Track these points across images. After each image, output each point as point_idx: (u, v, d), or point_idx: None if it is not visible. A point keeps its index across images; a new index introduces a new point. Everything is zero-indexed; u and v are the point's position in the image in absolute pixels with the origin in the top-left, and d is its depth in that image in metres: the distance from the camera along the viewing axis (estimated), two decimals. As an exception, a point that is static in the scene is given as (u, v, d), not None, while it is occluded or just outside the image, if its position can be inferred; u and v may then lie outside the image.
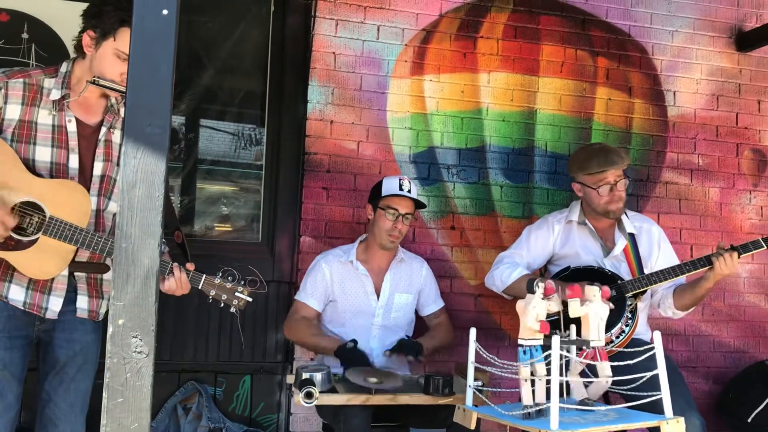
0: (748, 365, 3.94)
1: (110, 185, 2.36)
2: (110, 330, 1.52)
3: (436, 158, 3.75)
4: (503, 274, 3.06)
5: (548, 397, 1.88)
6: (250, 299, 2.39)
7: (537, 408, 2.03)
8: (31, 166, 2.24)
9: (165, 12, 1.57)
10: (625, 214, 3.18)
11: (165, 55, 1.57)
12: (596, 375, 2.15)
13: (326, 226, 3.58)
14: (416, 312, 3.28)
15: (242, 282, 2.40)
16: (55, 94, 2.28)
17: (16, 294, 2.24)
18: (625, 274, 3.03)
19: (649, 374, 2.07)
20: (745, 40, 4.17)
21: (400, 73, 3.74)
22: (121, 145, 2.35)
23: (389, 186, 3.07)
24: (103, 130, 2.36)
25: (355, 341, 2.89)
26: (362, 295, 3.12)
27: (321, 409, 2.99)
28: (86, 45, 2.28)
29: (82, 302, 2.35)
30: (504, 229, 3.79)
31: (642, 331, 3.03)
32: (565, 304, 2.15)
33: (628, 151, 3.97)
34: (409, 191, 3.06)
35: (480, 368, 2.18)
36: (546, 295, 2.10)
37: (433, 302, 3.28)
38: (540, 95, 3.91)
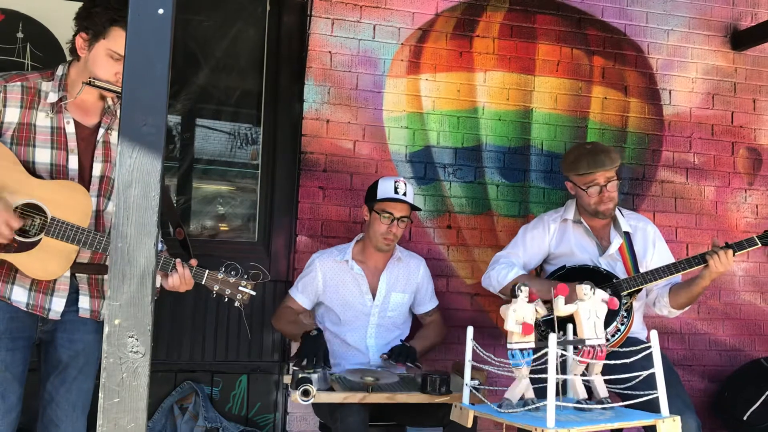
0: (743, 363, 3.96)
1: (110, 186, 2.37)
2: (106, 330, 1.52)
3: (432, 157, 3.75)
4: (500, 274, 3.06)
5: (544, 395, 1.89)
6: (254, 293, 2.40)
7: (534, 406, 2.03)
8: (31, 169, 2.26)
9: (161, 11, 1.57)
10: (621, 212, 3.19)
11: (160, 54, 1.57)
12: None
13: (322, 225, 3.58)
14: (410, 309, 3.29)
15: (245, 276, 2.40)
16: (53, 97, 2.30)
17: (19, 295, 2.25)
18: (621, 272, 3.03)
19: (645, 373, 2.07)
20: (740, 39, 4.18)
21: (396, 72, 3.73)
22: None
23: (385, 189, 3.07)
24: (101, 131, 2.37)
25: (319, 330, 2.88)
26: (357, 294, 3.12)
27: (318, 408, 2.99)
28: (80, 47, 2.31)
29: (84, 302, 2.36)
30: (500, 228, 3.80)
31: (637, 330, 3.03)
32: None
33: (624, 149, 3.97)
34: (404, 194, 3.06)
35: (477, 367, 2.18)
36: (530, 301, 2.10)
37: (428, 301, 3.29)
38: (536, 94, 3.91)
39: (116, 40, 2.23)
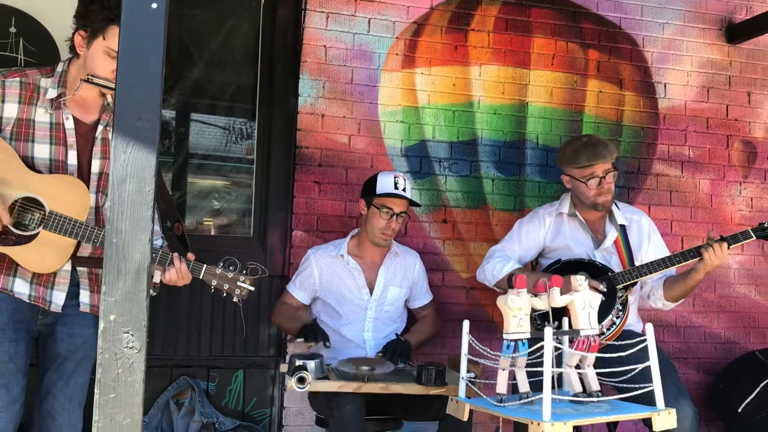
0: (738, 356, 3.97)
1: (108, 182, 2.37)
2: (102, 326, 1.52)
3: (427, 151, 3.75)
4: (494, 268, 3.07)
5: (540, 389, 1.89)
6: (252, 288, 2.41)
7: (527, 399, 2.04)
8: (30, 164, 2.28)
9: (154, 5, 1.56)
10: (616, 205, 3.19)
11: (154, 49, 1.56)
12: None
13: (318, 220, 3.58)
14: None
15: (243, 271, 2.41)
16: (52, 93, 2.32)
17: (21, 287, 2.28)
18: (616, 265, 3.04)
19: (641, 366, 2.08)
20: (735, 32, 4.18)
21: (391, 66, 3.73)
22: None
23: (384, 184, 3.07)
24: (100, 128, 2.39)
25: (314, 319, 2.94)
26: (354, 289, 3.12)
27: (314, 400, 3.00)
28: (78, 45, 2.33)
29: (84, 296, 2.38)
30: (496, 222, 3.80)
31: (633, 323, 3.04)
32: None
33: (619, 143, 3.98)
34: (404, 189, 3.07)
35: (472, 360, 2.18)
36: (538, 292, 2.11)
37: (423, 296, 3.31)
38: (531, 88, 3.91)
39: (114, 38, 2.26)
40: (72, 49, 2.36)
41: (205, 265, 2.37)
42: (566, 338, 2.13)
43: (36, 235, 2.23)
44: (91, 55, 2.30)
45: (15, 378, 2.25)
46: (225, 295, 2.40)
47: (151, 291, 1.59)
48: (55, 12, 3.32)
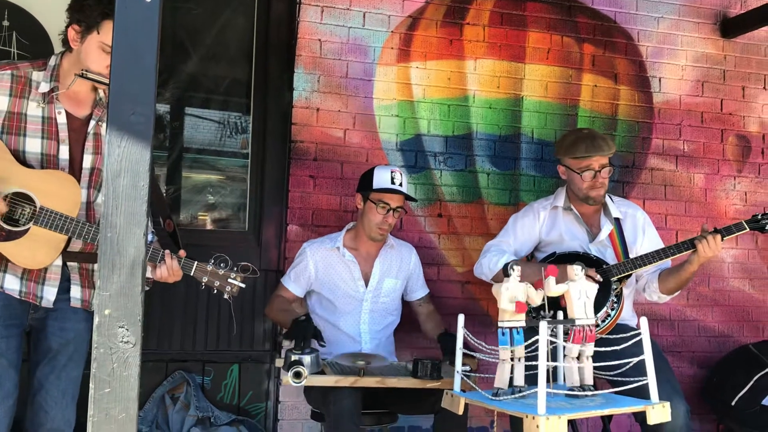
0: (732, 349, 3.99)
1: (100, 178, 2.38)
2: (96, 320, 1.51)
3: (423, 146, 3.75)
4: (491, 262, 3.07)
5: (535, 382, 1.89)
6: (243, 285, 2.40)
7: (521, 394, 2.04)
8: (21, 158, 2.26)
9: (148, -1, 1.55)
10: (611, 199, 3.20)
11: (148, 43, 1.55)
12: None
13: (313, 214, 3.58)
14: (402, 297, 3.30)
15: (234, 268, 2.41)
16: (44, 87, 2.30)
17: (12, 283, 2.27)
18: (611, 259, 3.05)
19: (635, 360, 2.08)
20: (729, 26, 4.19)
21: (386, 60, 3.72)
22: None
23: (381, 179, 3.06)
24: (92, 123, 2.38)
25: (307, 315, 2.89)
26: (350, 281, 3.12)
27: (310, 395, 3.01)
28: (72, 39, 2.31)
29: (76, 292, 2.37)
30: (491, 217, 3.80)
31: (627, 316, 3.05)
32: None
33: (614, 137, 3.98)
34: (400, 184, 3.07)
35: (468, 354, 2.19)
36: (549, 276, 2.10)
37: (420, 288, 3.31)
38: (526, 82, 3.91)
39: (108, 33, 2.22)
40: (65, 43, 2.33)
41: (196, 262, 2.37)
42: (561, 331, 2.14)
43: (27, 230, 2.21)
44: (85, 50, 2.28)
45: (7, 374, 2.25)
46: (216, 292, 2.39)
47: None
48: (49, 6, 3.30)
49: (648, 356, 2.07)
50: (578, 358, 2.13)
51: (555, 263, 3.00)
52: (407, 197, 3.12)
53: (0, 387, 2.23)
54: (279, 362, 2.90)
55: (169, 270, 2.31)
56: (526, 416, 1.87)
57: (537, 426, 1.83)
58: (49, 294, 2.31)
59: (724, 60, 4.22)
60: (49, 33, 3.34)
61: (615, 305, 2.90)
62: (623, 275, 2.94)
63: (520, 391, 2.05)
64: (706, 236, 2.83)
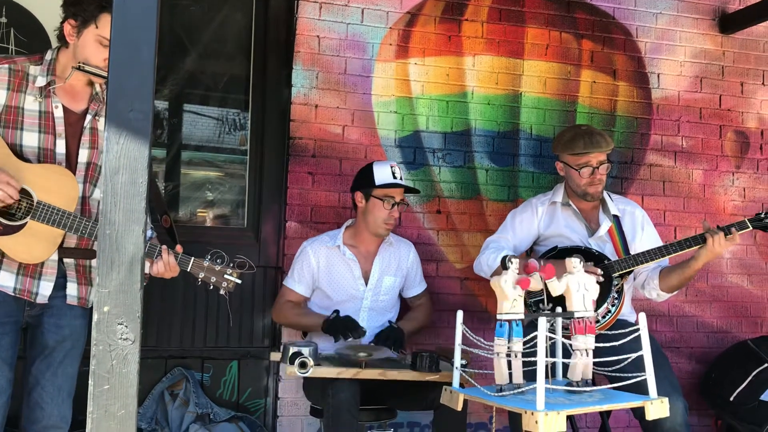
0: (730, 345, 4.00)
1: (96, 172, 2.38)
2: (96, 317, 1.51)
3: (421, 142, 3.75)
4: (489, 258, 3.07)
5: (533, 378, 1.90)
6: (239, 281, 2.41)
7: (519, 390, 2.04)
8: (18, 152, 2.26)
9: (146, -5, 1.55)
10: (609, 196, 3.20)
11: (147, 39, 1.55)
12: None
13: (312, 211, 3.58)
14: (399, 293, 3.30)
15: (231, 264, 2.42)
16: (41, 81, 2.30)
17: (6, 280, 2.26)
18: (610, 254, 3.05)
19: (634, 355, 2.09)
20: (728, 22, 4.18)
21: (384, 56, 3.72)
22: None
23: (382, 175, 3.07)
24: (89, 117, 2.38)
25: (336, 311, 2.92)
26: (350, 279, 3.12)
27: (308, 390, 3.01)
28: (68, 34, 2.30)
29: (72, 289, 2.37)
30: (489, 213, 3.80)
31: (627, 312, 3.05)
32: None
33: (613, 133, 3.98)
34: (400, 178, 3.10)
35: (466, 350, 2.19)
36: (528, 273, 2.11)
37: (417, 285, 3.32)
38: (525, 78, 3.91)
39: (106, 26, 2.23)
40: (61, 38, 2.33)
41: (192, 258, 2.38)
42: (560, 326, 2.14)
43: (24, 225, 2.21)
44: (82, 44, 2.28)
45: (1, 370, 2.24)
46: (212, 287, 2.40)
47: None
48: (46, 2, 3.29)
49: (646, 352, 2.07)
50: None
51: (556, 257, 3.01)
52: (409, 190, 3.14)
53: None
54: (275, 356, 2.91)
55: (166, 266, 2.32)
56: (525, 412, 1.88)
57: (536, 422, 1.83)
58: (45, 289, 2.30)
59: (723, 56, 4.22)
60: (46, 29, 3.33)
61: (616, 301, 2.91)
62: (625, 271, 2.95)
63: (510, 387, 2.05)
64: (718, 232, 2.82)
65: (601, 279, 2.78)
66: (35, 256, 2.26)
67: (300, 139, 3.58)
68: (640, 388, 2.11)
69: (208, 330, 3.48)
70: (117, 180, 1.53)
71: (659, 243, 3.09)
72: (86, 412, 1.49)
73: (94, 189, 2.37)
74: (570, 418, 2.86)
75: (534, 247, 3.27)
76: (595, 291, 2.14)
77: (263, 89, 3.65)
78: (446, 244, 3.74)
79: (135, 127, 1.54)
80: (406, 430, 3.61)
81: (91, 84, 2.39)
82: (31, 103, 2.29)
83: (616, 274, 2.92)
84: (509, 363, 2.07)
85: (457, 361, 2.19)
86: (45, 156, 2.29)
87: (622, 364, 2.11)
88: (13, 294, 2.26)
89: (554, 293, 2.11)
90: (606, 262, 2.95)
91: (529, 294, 2.78)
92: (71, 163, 2.33)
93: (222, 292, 2.40)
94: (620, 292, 2.93)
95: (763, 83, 4.28)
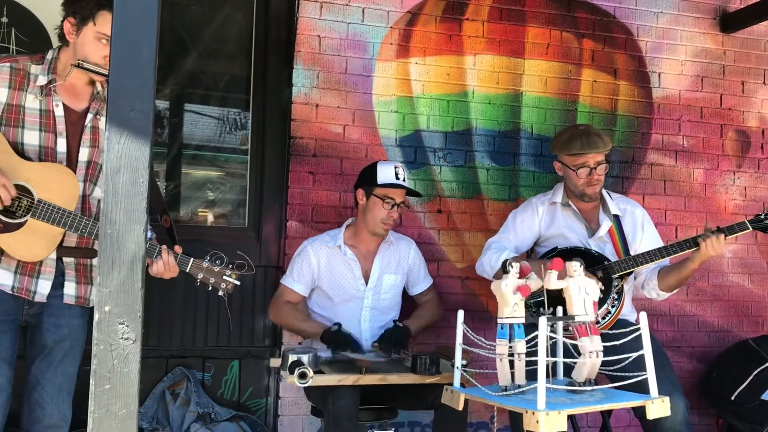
0: (731, 344, 3.99)
1: (96, 171, 2.39)
2: (97, 317, 1.51)
3: (422, 141, 3.75)
4: (491, 259, 3.07)
5: (534, 378, 1.90)
6: (237, 282, 2.42)
7: (519, 390, 2.04)
8: (19, 150, 2.27)
9: (147, -5, 1.55)
10: (609, 196, 3.20)
11: (147, 39, 1.55)
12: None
13: (313, 210, 3.57)
14: (404, 291, 3.30)
15: (230, 265, 2.42)
16: (42, 80, 2.31)
17: (4, 278, 2.27)
18: (611, 254, 3.05)
19: (635, 355, 2.09)
20: (729, 21, 4.18)
21: (385, 56, 3.72)
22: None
23: (385, 175, 3.07)
24: (90, 116, 2.39)
25: (339, 324, 2.92)
26: (351, 279, 3.12)
27: (309, 392, 3.01)
28: (68, 32, 2.32)
29: (70, 288, 2.37)
30: (490, 212, 3.80)
31: (627, 312, 3.05)
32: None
33: (613, 132, 3.98)
34: (403, 180, 3.10)
35: (467, 349, 2.19)
36: (522, 276, 2.11)
37: (422, 281, 3.30)
38: (526, 77, 3.91)
39: (105, 23, 2.25)
40: (61, 37, 2.34)
41: (192, 259, 2.38)
42: (560, 327, 2.14)
43: (24, 223, 2.22)
44: (81, 42, 2.29)
45: (1, 369, 2.25)
46: (210, 288, 2.40)
47: None
48: (47, 2, 3.29)
49: (647, 351, 2.07)
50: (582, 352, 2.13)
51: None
52: (412, 192, 3.13)
53: None
54: (275, 362, 2.91)
55: (166, 266, 2.32)
56: (526, 411, 1.88)
57: (537, 421, 1.83)
58: (43, 288, 2.31)
59: (724, 55, 4.22)
60: (47, 29, 3.33)
61: (616, 302, 2.90)
62: (625, 272, 2.94)
63: (514, 387, 2.05)
64: (710, 236, 2.82)
65: (602, 287, 2.78)
66: (35, 254, 2.26)
67: (301, 139, 3.58)
68: (641, 388, 2.11)
69: (209, 329, 3.48)
70: (118, 179, 1.54)
71: (659, 242, 3.09)
72: (87, 412, 1.50)
73: (94, 187, 2.38)
74: (571, 418, 2.85)
75: (534, 247, 3.27)
76: (595, 294, 2.14)
77: (264, 89, 3.65)
78: (447, 243, 3.74)
79: (136, 126, 1.54)
80: (407, 430, 3.61)
81: (92, 83, 2.40)
82: (32, 102, 2.30)
83: (616, 275, 2.92)
84: (511, 363, 2.07)
85: (458, 361, 2.19)
86: (46, 154, 2.30)
87: (623, 364, 2.10)
88: (11, 292, 2.27)
89: (547, 285, 2.11)
90: (606, 263, 2.95)
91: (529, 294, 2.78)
92: (72, 161, 2.34)
93: (221, 293, 2.41)
94: (620, 292, 2.93)
95: (764, 82, 4.27)
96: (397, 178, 3.07)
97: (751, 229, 2.89)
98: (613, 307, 2.89)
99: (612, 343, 2.13)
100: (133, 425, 1.51)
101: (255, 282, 3.51)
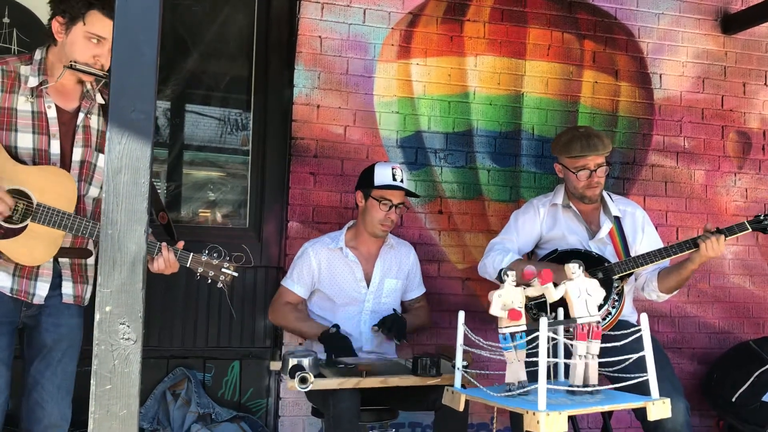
0: (732, 346, 3.99)
1: (90, 170, 2.38)
2: (97, 317, 1.51)
3: (423, 142, 3.75)
4: (495, 260, 3.07)
5: (535, 379, 1.90)
6: (236, 274, 2.46)
7: (523, 389, 2.04)
8: (13, 153, 2.26)
9: (148, -5, 1.55)
10: (610, 197, 3.20)
11: (149, 39, 1.55)
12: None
13: (314, 211, 3.58)
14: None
15: (228, 258, 2.46)
16: (33, 81, 2.30)
17: (3, 280, 2.27)
18: (611, 256, 3.05)
19: (635, 356, 2.08)
20: (730, 23, 4.18)
21: (386, 56, 3.72)
22: (99, 130, 2.36)
23: (382, 176, 3.07)
24: (81, 116, 2.38)
25: (337, 326, 2.92)
26: (352, 281, 3.12)
27: (310, 394, 3.00)
28: (56, 31, 2.30)
29: (68, 288, 2.38)
30: (491, 213, 3.80)
31: (628, 313, 3.05)
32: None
33: (614, 134, 3.98)
34: (401, 181, 3.08)
35: (467, 350, 2.19)
36: (526, 279, 2.11)
37: (416, 287, 3.31)
38: (527, 79, 3.91)
39: (94, 23, 2.25)
40: (49, 35, 2.32)
41: (191, 254, 2.41)
42: (561, 328, 2.13)
43: (24, 227, 2.21)
44: (70, 41, 2.27)
45: None
46: (210, 281, 2.44)
47: None
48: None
49: (648, 352, 2.07)
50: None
51: (557, 260, 3.00)
52: (409, 193, 3.13)
53: None
54: (275, 365, 2.91)
55: (166, 262, 2.34)
56: (527, 412, 1.88)
57: (537, 422, 1.83)
58: (42, 290, 2.31)
59: (725, 56, 4.22)
60: (49, 30, 3.33)
61: (616, 303, 2.90)
62: (625, 273, 2.94)
63: (520, 387, 2.05)
64: (710, 236, 2.82)
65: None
66: (37, 258, 2.26)
67: (302, 140, 3.58)
68: (642, 389, 2.11)
69: (210, 330, 3.48)
70: (119, 180, 1.54)
71: (660, 244, 3.09)
72: (88, 412, 1.50)
73: (89, 187, 2.38)
74: (572, 419, 2.85)
75: (535, 249, 3.27)
76: (599, 294, 2.13)
77: (265, 89, 3.66)
78: (448, 244, 3.74)
79: (137, 127, 1.54)
80: (407, 431, 3.61)
81: (81, 82, 2.38)
82: (23, 104, 2.29)
83: (616, 277, 2.92)
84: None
85: (459, 361, 2.19)
86: (40, 157, 2.29)
87: (624, 365, 2.10)
88: (10, 295, 2.27)
89: (550, 299, 2.10)
90: (606, 264, 2.95)
91: (529, 297, 2.77)
92: (65, 162, 2.33)
93: (220, 285, 2.44)
94: (620, 294, 2.93)
95: (765, 83, 4.27)
96: (395, 179, 3.06)
97: (751, 230, 2.89)
98: (613, 308, 2.89)
99: (613, 344, 2.13)
100: (134, 426, 1.51)
101: (256, 282, 3.52)
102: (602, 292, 2.15)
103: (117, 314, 1.52)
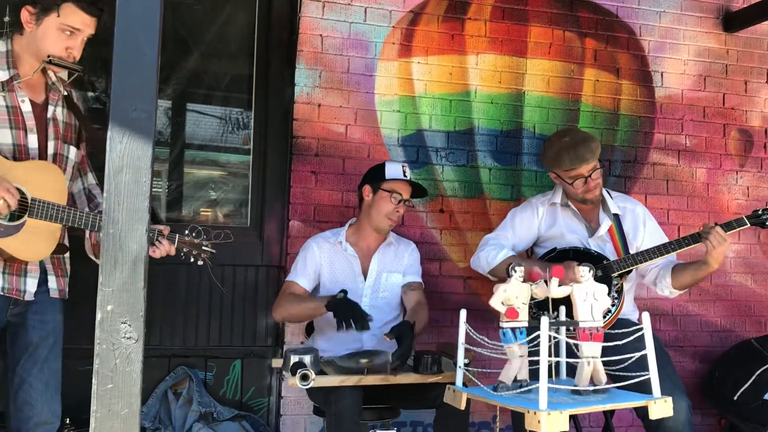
0: (734, 344, 3.99)
1: (63, 163, 2.37)
2: (99, 316, 1.52)
3: (424, 141, 3.75)
4: (489, 255, 3.07)
5: (537, 377, 1.89)
6: (213, 251, 2.50)
7: (522, 389, 2.04)
8: None
9: (149, -6, 1.55)
10: (609, 195, 3.19)
11: (150, 39, 1.55)
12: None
13: (315, 210, 3.58)
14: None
15: (206, 237, 2.50)
16: (2, 75, 2.25)
17: None
18: (610, 253, 3.04)
19: (637, 354, 2.08)
20: (732, 21, 4.17)
21: (387, 55, 3.71)
22: (65, 122, 2.34)
23: (393, 171, 3.10)
24: (51, 108, 2.35)
25: (344, 291, 2.85)
26: (350, 275, 3.12)
27: (311, 392, 3.00)
28: (26, 21, 2.27)
29: (53, 282, 2.39)
30: (492, 212, 3.80)
31: (628, 311, 3.05)
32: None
33: (615, 132, 3.97)
34: (410, 179, 3.12)
35: (469, 348, 2.19)
36: (532, 280, 2.10)
37: (414, 273, 3.23)
38: (528, 77, 3.90)
39: (69, 15, 2.23)
40: (17, 25, 2.28)
41: (177, 235, 2.44)
42: (563, 328, 2.13)
43: (23, 224, 2.21)
44: (42, 33, 2.24)
45: None
46: (192, 260, 2.47)
47: None
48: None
49: (650, 351, 2.07)
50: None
51: (556, 259, 3.00)
52: (416, 194, 3.16)
53: None
54: (276, 362, 2.90)
55: (168, 253, 2.39)
56: (528, 411, 1.87)
57: (538, 421, 1.83)
58: (31, 286, 2.31)
59: (727, 54, 4.21)
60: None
61: (616, 301, 2.90)
62: (624, 271, 2.94)
63: (521, 386, 2.05)
64: (710, 231, 2.82)
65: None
66: (38, 253, 2.27)
67: (303, 138, 3.58)
68: (644, 388, 2.11)
69: (211, 329, 3.48)
70: (120, 179, 1.54)
71: (663, 237, 3.08)
72: (89, 412, 1.50)
73: (67, 181, 2.38)
74: (573, 418, 2.85)
75: (534, 248, 3.26)
76: (606, 301, 2.11)
77: (266, 88, 3.65)
78: (449, 243, 3.74)
79: (138, 126, 1.54)
80: (409, 429, 3.61)
81: (44, 72, 2.35)
82: None
83: (615, 274, 2.92)
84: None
85: (461, 360, 2.19)
86: (20, 152, 2.26)
87: (626, 364, 2.10)
88: (1, 293, 2.26)
89: (550, 294, 2.10)
90: (605, 261, 2.95)
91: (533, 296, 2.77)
92: (42, 156, 2.31)
93: (200, 262, 2.48)
94: (620, 291, 2.93)
95: (766, 81, 4.27)
96: (405, 175, 3.10)
97: (749, 225, 2.88)
98: (612, 306, 2.89)
99: (614, 343, 2.13)
100: (136, 425, 1.51)
101: (257, 281, 3.52)
102: (609, 300, 2.14)
103: (118, 313, 1.52)
